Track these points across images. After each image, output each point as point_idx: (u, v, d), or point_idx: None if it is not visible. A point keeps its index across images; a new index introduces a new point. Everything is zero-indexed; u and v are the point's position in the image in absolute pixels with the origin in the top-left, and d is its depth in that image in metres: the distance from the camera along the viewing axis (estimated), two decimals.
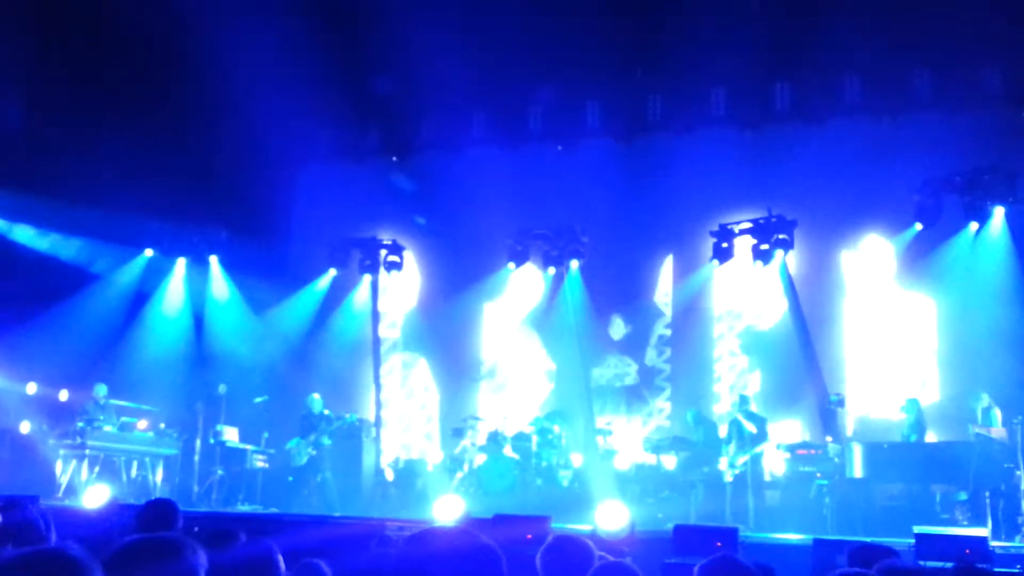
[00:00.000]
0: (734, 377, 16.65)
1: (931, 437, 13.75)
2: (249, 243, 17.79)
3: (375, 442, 16.85)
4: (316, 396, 15.66)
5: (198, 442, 15.44)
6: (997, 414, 12.64)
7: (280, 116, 16.46)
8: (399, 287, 18.57)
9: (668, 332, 17.37)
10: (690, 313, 17.09)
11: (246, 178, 16.59)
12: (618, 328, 17.68)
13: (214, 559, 2.84)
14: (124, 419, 14.86)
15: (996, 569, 7.86)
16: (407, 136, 18.40)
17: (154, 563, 2.65)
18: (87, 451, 13.96)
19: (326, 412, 15.53)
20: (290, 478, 15.26)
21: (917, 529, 8.74)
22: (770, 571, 5.46)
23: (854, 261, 16.20)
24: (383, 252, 17.51)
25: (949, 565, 7.41)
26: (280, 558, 3.79)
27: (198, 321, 17.90)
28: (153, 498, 6.79)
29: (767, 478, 13.87)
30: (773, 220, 14.94)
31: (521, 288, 18.13)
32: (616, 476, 14.84)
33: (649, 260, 17.57)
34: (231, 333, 17.69)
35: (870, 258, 16.09)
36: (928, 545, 8.31)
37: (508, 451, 15.06)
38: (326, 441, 15.25)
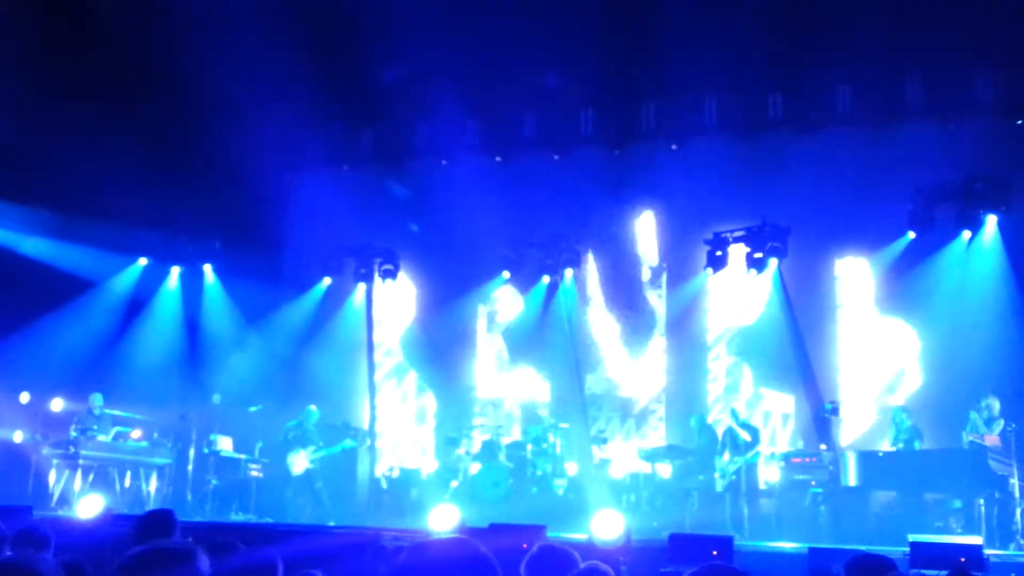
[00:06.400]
0: (727, 384, 16.66)
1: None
2: (243, 252, 17.77)
3: (370, 451, 16.84)
4: (313, 408, 15.68)
5: (192, 452, 15.42)
6: (995, 419, 12.58)
7: (274, 125, 16.48)
8: (393, 295, 18.55)
9: (663, 340, 17.38)
10: (685, 321, 17.10)
11: (240, 187, 16.57)
12: (613, 336, 17.68)
13: (217, 568, 2.88)
14: (118, 428, 14.82)
15: None
16: (400, 144, 18.43)
17: (163, 570, 2.68)
18: (80, 461, 13.91)
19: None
20: (288, 493, 15.30)
21: (912, 537, 8.75)
22: None
23: (847, 269, 16.24)
24: (377, 260, 17.49)
25: (944, 573, 7.44)
26: (281, 568, 3.81)
27: (192, 330, 17.85)
28: (152, 508, 6.80)
29: (762, 486, 13.88)
30: (767, 228, 14.98)
31: (515, 296, 18.14)
32: (611, 485, 14.86)
33: (643, 268, 17.58)
34: (225, 342, 17.64)
35: (863, 266, 16.12)
36: (923, 553, 8.32)
37: (503, 460, 15.05)
38: (320, 454, 15.36)
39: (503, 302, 18.29)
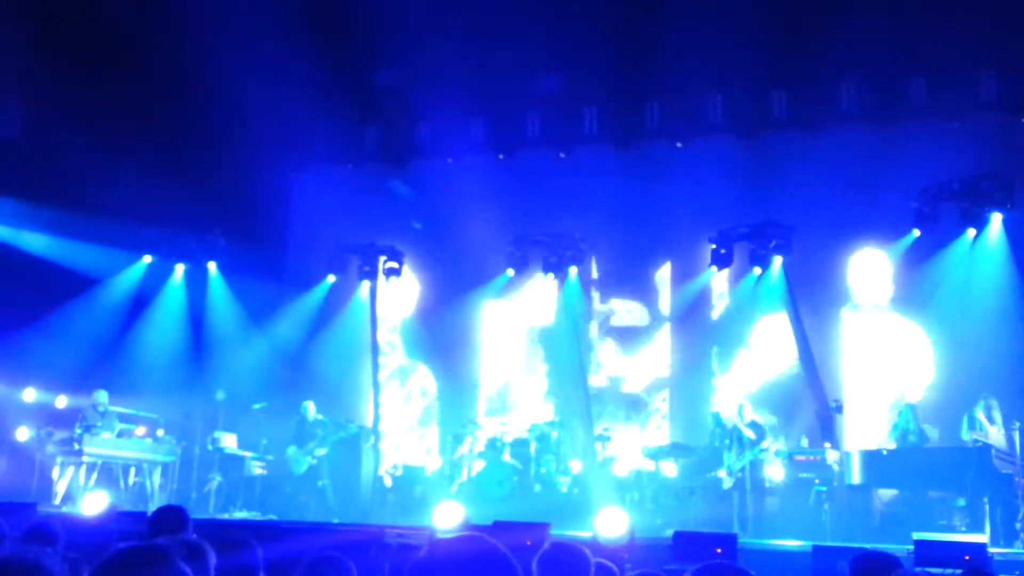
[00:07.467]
0: (732, 382, 16.65)
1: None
2: (248, 249, 17.77)
3: (374, 449, 16.84)
4: (309, 404, 15.70)
5: (196, 448, 15.44)
6: (997, 419, 12.56)
7: (278, 122, 16.46)
8: (397, 293, 18.55)
9: (667, 338, 17.37)
10: (689, 319, 17.10)
11: (245, 184, 16.58)
12: (617, 334, 17.68)
13: (227, 562, 2.86)
14: (122, 426, 14.83)
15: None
16: (404, 142, 18.42)
17: (142, 571, 2.65)
18: (85, 458, 13.91)
19: (319, 417, 15.62)
20: (288, 489, 15.31)
21: (916, 535, 8.75)
22: None
23: (852, 267, 16.23)
24: (382, 258, 17.48)
25: (950, 571, 7.44)
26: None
27: (196, 327, 17.84)
28: (161, 505, 6.79)
29: (766, 484, 13.87)
30: (771, 226, 14.97)
31: (519, 294, 18.13)
32: (615, 482, 14.85)
33: (648, 266, 17.58)
34: (229, 339, 17.65)
35: (868, 264, 16.11)
36: (927, 551, 8.32)
37: (507, 457, 15.05)
38: (319, 452, 15.36)
39: (510, 300, 18.19)
